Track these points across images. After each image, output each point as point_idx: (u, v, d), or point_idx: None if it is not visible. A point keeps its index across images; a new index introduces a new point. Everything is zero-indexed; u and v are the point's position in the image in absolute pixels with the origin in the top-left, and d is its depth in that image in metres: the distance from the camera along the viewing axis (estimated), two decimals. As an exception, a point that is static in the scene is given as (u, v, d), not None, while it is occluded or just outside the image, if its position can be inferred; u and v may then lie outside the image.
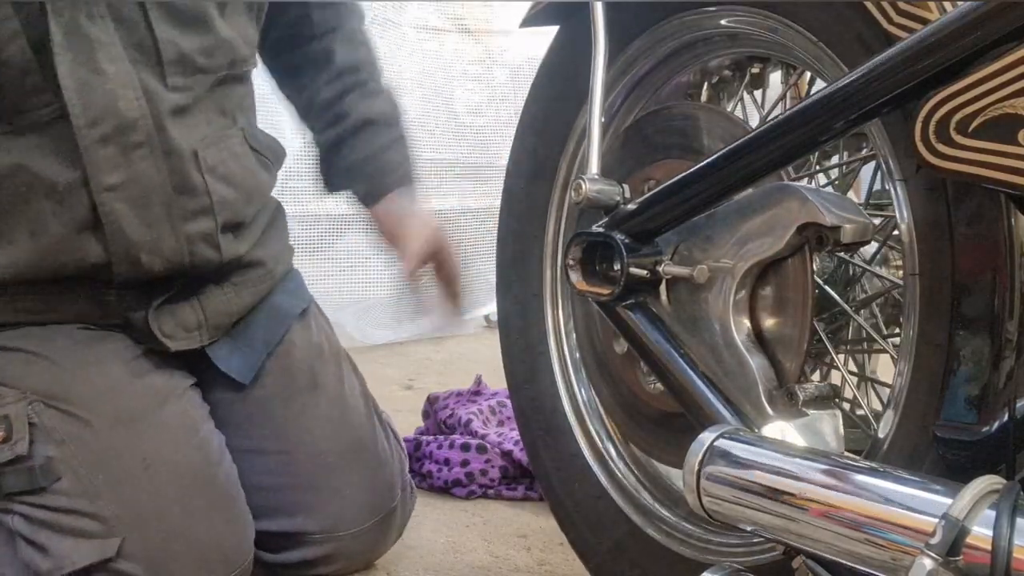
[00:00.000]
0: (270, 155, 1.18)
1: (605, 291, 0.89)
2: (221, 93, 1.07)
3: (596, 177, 0.90)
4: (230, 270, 1.10)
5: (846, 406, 1.01)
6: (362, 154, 1.26)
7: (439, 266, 1.28)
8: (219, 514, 1.02)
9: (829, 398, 0.83)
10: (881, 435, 0.77)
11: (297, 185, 2.37)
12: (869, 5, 0.72)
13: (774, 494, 0.64)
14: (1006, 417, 0.67)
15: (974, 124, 0.61)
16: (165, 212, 0.99)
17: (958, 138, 0.62)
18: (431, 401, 1.77)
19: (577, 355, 1.10)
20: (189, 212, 1.02)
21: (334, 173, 1.30)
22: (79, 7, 0.92)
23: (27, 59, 0.91)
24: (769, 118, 0.89)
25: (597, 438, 1.07)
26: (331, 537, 1.12)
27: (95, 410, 0.98)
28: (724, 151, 0.79)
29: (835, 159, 1.08)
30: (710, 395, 0.83)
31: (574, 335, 1.10)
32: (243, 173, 1.09)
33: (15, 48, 0.91)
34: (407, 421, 1.73)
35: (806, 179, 1.04)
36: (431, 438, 1.63)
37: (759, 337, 0.84)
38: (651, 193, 0.88)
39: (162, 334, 1.05)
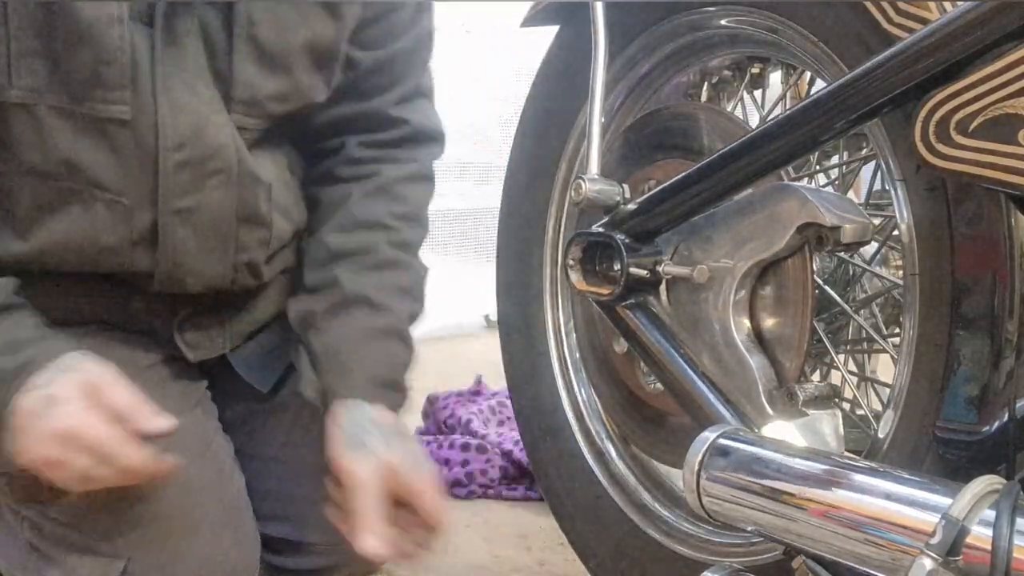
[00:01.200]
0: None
1: (605, 291, 0.89)
2: (288, 126, 0.98)
3: (596, 177, 0.90)
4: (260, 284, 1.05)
5: (846, 406, 1.01)
6: (328, 342, 0.98)
7: (407, 511, 0.93)
8: (228, 533, 0.99)
9: (829, 398, 0.83)
10: (881, 435, 0.77)
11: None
12: (869, 5, 0.72)
13: (774, 494, 0.64)
14: (1006, 417, 0.67)
15: (974, 124, 0.62)
16: (224, 241, 0.94)
17: (958, 138, 0.62)
18: (431, 401, 1.77)
19: (577, 355, 1.10)
20: (245, 243, 0.96)
21: (296, 348, 1.03)
22: (181, 16, 0.84)
23: (117, 48, 0.82)
24: (769, 118, 0.89)
25: (597, 438, 1.07)
26: (335, 549, 1.03)
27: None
28: (724, 151, 0.79)
29: (835, 159, 1.08)
30: (710, 395, 0.83)
31: (574, 335, 1.10)
32: (296, 204, 1.02)
33: (113, 33, 0.81)
34: (407, 421, 1.73)
35: (806, 179, 1.04)
36: (431, 438, 1.63)
37: (759, 337, 0.84)
38: (651, 193, 0.88)
39: (185, 345, 1.02)
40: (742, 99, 1.05)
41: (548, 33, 1.11)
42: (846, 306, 0.93)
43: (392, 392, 0.99)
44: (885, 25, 0.71)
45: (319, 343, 0.99)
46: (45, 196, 0.88)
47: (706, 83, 1.07)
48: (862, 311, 1.02)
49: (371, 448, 0.90)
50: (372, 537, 0.87)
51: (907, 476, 0.60)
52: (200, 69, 0.87)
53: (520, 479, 1.54)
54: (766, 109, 1.03)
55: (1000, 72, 0.60)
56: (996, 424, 0.68)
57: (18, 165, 0.86)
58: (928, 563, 0.52)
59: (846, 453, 0.80)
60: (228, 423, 1.09)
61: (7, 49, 0.81)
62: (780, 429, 0.78)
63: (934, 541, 0.52)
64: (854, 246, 0.83)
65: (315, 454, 1.00)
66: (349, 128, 1.04)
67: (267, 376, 1.09)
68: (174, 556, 0.95)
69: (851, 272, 0.99)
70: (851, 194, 1.04)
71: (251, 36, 0.87)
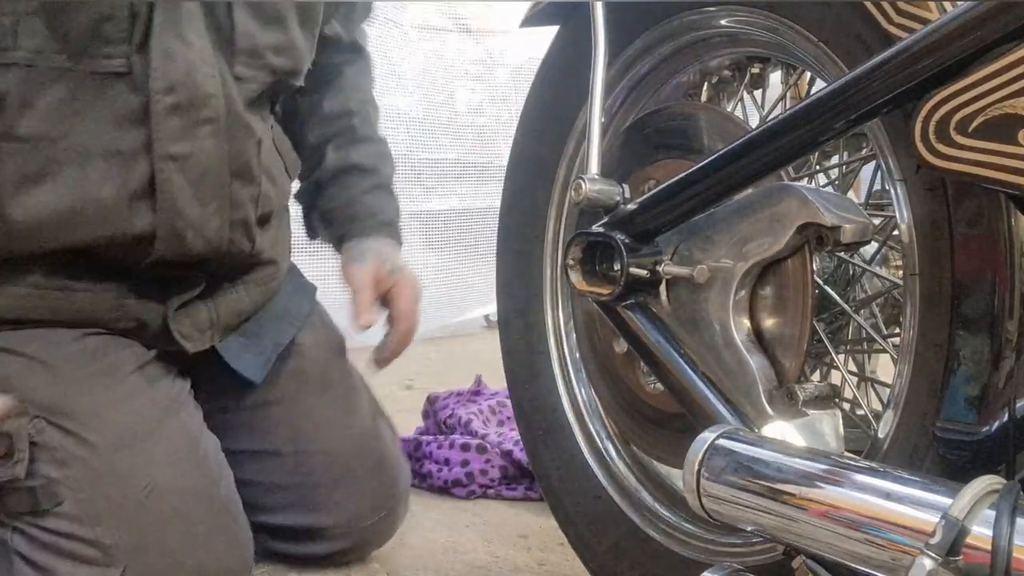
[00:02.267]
0: (289, 161, 1.20)
1: (605, 291, 0.89)
2: (272, 93, 1.07)
3: (596, 177, 0.90)
4: (246, 267, 1.10)
5: (846, 406, 1.01)
6: (337, 201, 1.26)
7: (391, 311, 1.26)
8: (220, 536, 1.02)
9: (829, 398, 0.83)
10: (881, 435, 0.77)
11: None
12: (869, 5, 0.72)
13: (774, 494, 0.64)
14: (1006, 417, 0.67)
15: (974, 124, 0.61)
16: (218, 193, 0.98)
17: (958, 138, 0.62)
18: (431, 401, 1.77)
19: (577, 355, 1.10)
20: (238, 199, 1.01)
21: (312, 220, 1.31)
22: None
23: (118, 5, 0.88)
24: (769, 118, 0.89)
25: (597, 438, 1.07)
26: (350, 530, 1.18)
27: (98, 429, 0.95)
28: (724, 151, 0.79)
29: (835, 159, 1.08)
30: (710, 395, 0.83)
31: (574, 335, 1.10)
32: (279, 171, 1.12)
33: None
34: (407, 421, 1.73)
35: (806, 179, 1.04)
36: (431, 438, 1.63)
37: (759, 337, 0.84)
38: (651, 193, 0.88)
39: (180, 335, 1.04)
40: (742, 99, 1.05)
41: (548, 33, 1.11)
42: (846, 306, 0.93)
43: (391, 228, 1.27)
44: (885, 25, 0.71)
45: (329, 203, 1.26)
46: (34, 163, 0.89)
47: (706, 83, 1.07)
48: (862, 311, 1.02)
49: (369, 262, 1.21)
50: (364, 318, 1.18)
51: (907, 476, 0.60)
52: (194, 21, 0.92)
53: (520, 479, 1.54)
54: (766, 109, 1.03)
55: (1000, 72, 0.60)
56: (996, 424, 0.68)
57: (3, 132, 0.87)
58: (928, 563, 0.52)
59: (846, 453, 0.80)
60: (222, 424, 1.12)
61: (12, 9, 0.83)
62: (780, 429, 0.78)
63: (934, 541, 0.52)
64: (854, 246, 0.83)
65: (320, 441, 1.14)
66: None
67: (257, 367, 1.14)
68: (170, 563, 0.96)
69: (851, 272, 0.99)
70: (851, 194, 1.04)
71: None
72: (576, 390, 1.10)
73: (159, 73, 0.90)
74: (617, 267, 0.88)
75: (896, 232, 0.84)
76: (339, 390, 1.22)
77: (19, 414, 0.93)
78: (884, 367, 1.12)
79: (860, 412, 1.03)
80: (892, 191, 0.75)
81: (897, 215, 0.75)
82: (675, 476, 1.03)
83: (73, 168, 0.90)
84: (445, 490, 1.53)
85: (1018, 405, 0.67)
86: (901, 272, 0.79)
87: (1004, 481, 0.54)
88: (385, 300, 1.26)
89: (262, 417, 1.16)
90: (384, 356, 1.26)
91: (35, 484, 0.92)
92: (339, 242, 1.26)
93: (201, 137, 0.95)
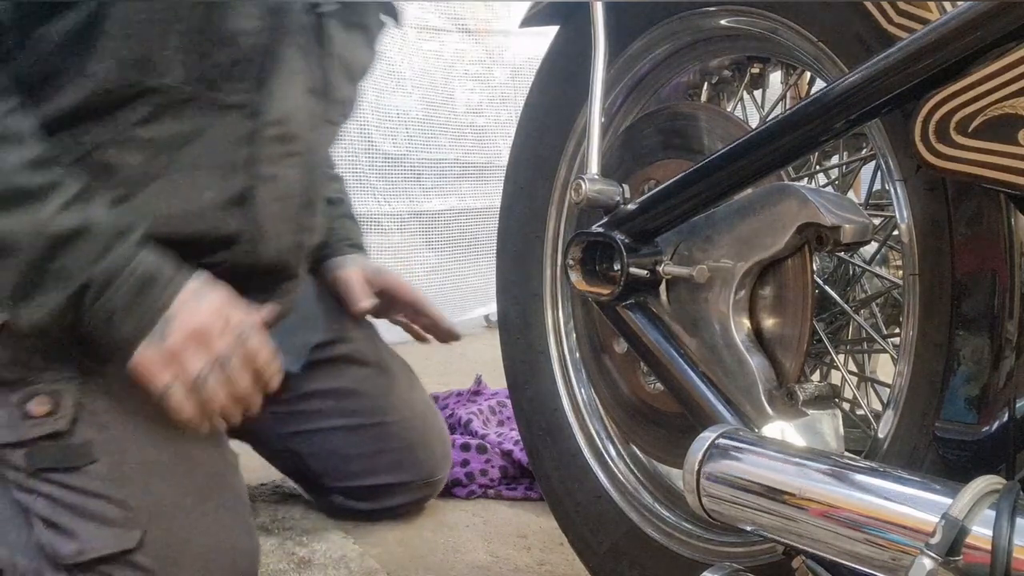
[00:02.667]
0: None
1: (605, 291, 0.89)
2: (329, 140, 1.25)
3: (596, 177, 0.90)
4: (284, 280, 1.23)
5: (846, 406, 1.01)
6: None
7: (395, 304, 1.49)
8: (236, 520, 1.07)
9: (829, 398, 0.83)
10: (881, 435, 0.77)
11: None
12: (869, 5, 0.72)
13: (774, 494, 0.64)
14: (1006, 417, 0.67)
15: (974, 124, 0.62)
16: (292, 215, 1.14)
17: (958, 138, 0.62)
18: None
19: (577, 355, 1.10)
20: (304, 224, 1.17)
21: None
22: (293, 32, 1.07)
23: (254, 51, 1.04)
24: (769, 118, 0.89)
25: (597, 438, 1.07)
26: (428, 482, 1.43)
27: (141, 400, 1.01)
28: (724, 151, 0.79)
29: (835, 159, 1.08)
30: (710, 395, 0.83)
31: (574, 335, 1.10)
32: (319, 220, 1.27)
33: (254, 41, 1.03)
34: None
35: (806, 179, 1.04)
36: (431, 438, 1.63)
37: (759, 337, 0.84)
38: (651, 193, 0.88)
39: None
40: (742, 99, 1.05)
41: (548, 33, 1.11)
42: (846, 306, 0.93)
43: (362, 251, 1.47)
44: (885, 25, 0.71)
45: None
46: (157, 164, 1.02)
47: (706, 83, 1.07)
48: (862, 311, 1.02)
49: (355, 267, 1.42)
50: (364, 302, 1.40)
51: (907, 476, 0.60)
52: (302, 74, 1.09)
53: (520, 479, 1.54)
54: (766, 109, 1.03)
55: (1000, 72, 0.60)
56: (996, 424, 0.68)
57: (132, 139, 1.00)
58: (928, 563, 0.52)
59: (846, 453, 0.80)
60: (282, 415, 1.33)
61: (171, 44, 0.98)
62: (780, 429, 0.78)
63: (934, 541, 0.52)
64: (854, 246, 0.83)
65: (397, 411, 1.39)
66: None
67: (295, 356, 1.33)
68: (187, 533, 1.01)
69: (851, 272, 0.99)
70: (851, 194, 1.04)
71: (338, 53, 1.14)
72: (576, 390, 1.10)
73: (270, 108, 1.06)
74: (617, 267, 0.88)
75: (896, 232, 0.84)
76: (395, 370, 1.44)
77: (71, 377, 1.00)
78: (884, 367, 1.13)
79: (860, 412, 1.03)
80: (892, 191, 0.75)
81: (897, 215, 0.75)
82: (675, 476, 1.03)
83: (186, 174, 1.03)
84: (445, 490, 1.53)
85: (1018, 405, 0.67)
86: (901, 272, 0.79)
87: (1004, 481, 0.54)
88: (379, 296, 1.44)
89: (341, 397, 1.38)
90: (436, 327, 1.50)
91: (72, 443, 0.99)
92: (316, 263, 1.40)
93: (289, 165, 1.11)
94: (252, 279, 1.13)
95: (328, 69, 1.14)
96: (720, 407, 0.81)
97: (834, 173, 1.08)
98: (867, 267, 0.98)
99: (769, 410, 0.80)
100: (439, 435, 1.46)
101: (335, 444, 1.37)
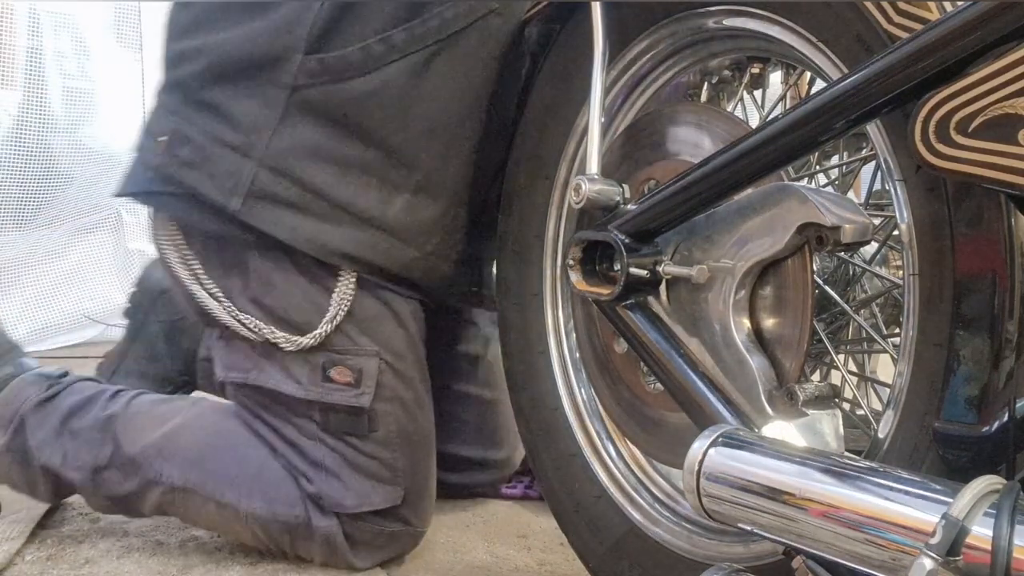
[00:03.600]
0: None
1: (605, 291, 0.89)
2: None
3: (596, 177, 0.90)
4: None
5: (846, 406, 1.01)
6: None
7: None
8: (433, 468, 1.25)
9: (829, 398, 0.83)
10: (881, 435, 0.77)
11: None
12: (869, 5, 0.72)
13: (774, 494, 0.64)
14: (1006, 417, 0.67)
15: (974, 124, 0.61)
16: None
17: (958, 138, 0.62)
18: (431, 401, 1.77)
19: (577, 355, 1.10)
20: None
21: None
22: None
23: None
24: (769, 118, 0.89)
25: (597, 438, 1.07)
26: (508, 464, 1.49)
27: (420, 378, 1.20)
28: (724, 151, 0.79)
29: (835, 159, 1.08)
30: (710, 395, 0.83)
31: (574, 335, 1.10)
32: None
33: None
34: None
35: (806, 179, 1.04)
36: (431, 438, 1.63)
37: (759, 337, 0.84)
38: (651, 193, 0.88)
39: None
40: (742, 99, 1.05)
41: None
42: (846, 306, 0.93)
43: None
44: (885, 25, 0.71)
45: None
46: (447, 148, 1.14)
47: (706, 83, 1.07)
48: (862, 311, 1.02)
49: None
50: None
51: (907, 476, 0.60)
52: None
53: (520, 479, 1.54)
54: (766, 109, 1.03)
55: (1000, 72, 0.60)
56: (996, 424, 0.68)
57: (423, 129, 1.12)
58: (928, 563, 0.52)
59: (846, 453, 0.80)
60: (453, 368, 1.44)
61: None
62: (780, 429, 0.78)
63: (934, 541, 0.52)
64: (854, 246, 0.83)
65: (499, 391, 1.40)
66: None
67: None
68: (421, 488, 1.21)
69: (851, 272, 0.99)
70: (851, 194, 1.04)
71: None
72: (576, 390, 1.10)
73: None
74: (617, 267, 0.88)
75: (896, 232, 0.84)
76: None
77: (372, 355, 1.15)
78: (884, 367, 1.13)
79: (860, 412, 1.03)
80: (892, 191, 0.75)
81: (897, 215, 0.75)
82: (675, 476, 1.03)
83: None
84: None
85: (1018, 405, 0.67)
86: (901, 272, 0.79)
87: (1004, 481, 0.54)
88: None
89: (471, 366, 1.46)
90: None
91: (369, 415, 1.15)
92: None
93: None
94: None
95: None
96: (720, 407, 0.81)
97: (834, 173, 1.09)
98: (867, 267, 0.98)
99: (769, 410, 0.80)
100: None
101: (456, 406, 1.42)
